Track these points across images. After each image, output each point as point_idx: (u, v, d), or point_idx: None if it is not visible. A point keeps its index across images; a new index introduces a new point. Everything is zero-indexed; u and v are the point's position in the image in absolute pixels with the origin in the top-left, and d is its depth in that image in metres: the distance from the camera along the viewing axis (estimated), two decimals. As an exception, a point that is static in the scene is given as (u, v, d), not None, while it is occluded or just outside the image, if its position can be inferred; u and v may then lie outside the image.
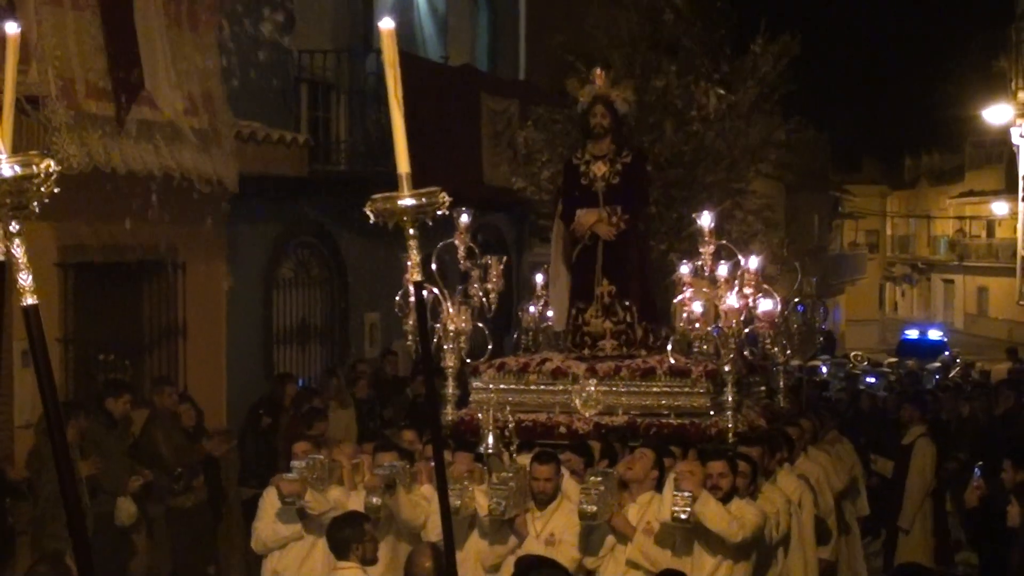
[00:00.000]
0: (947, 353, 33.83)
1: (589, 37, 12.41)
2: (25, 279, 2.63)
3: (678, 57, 12.10)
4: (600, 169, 9.49)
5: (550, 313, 10.19)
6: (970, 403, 15.13)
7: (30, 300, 2.63)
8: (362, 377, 12.66)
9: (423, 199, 3.37)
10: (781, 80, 12.15)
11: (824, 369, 24.81)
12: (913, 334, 39.22)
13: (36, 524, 8.93)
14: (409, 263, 3.49)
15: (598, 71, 9.67)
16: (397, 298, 8.82)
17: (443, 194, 3.42)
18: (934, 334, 39.12)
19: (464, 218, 8.63)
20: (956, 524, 11.90)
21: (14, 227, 2.62)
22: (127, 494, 9.28)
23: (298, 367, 13.73)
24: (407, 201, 3.36)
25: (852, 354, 35.57)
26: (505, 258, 9.42)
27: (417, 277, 3.54)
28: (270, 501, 7.49)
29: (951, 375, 24.41)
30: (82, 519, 2.79)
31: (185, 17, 10.76)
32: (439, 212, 3.45)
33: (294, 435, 10.59)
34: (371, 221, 3.47)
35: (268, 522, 7.48)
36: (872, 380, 24.05)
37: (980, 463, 10.87)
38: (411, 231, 3.42)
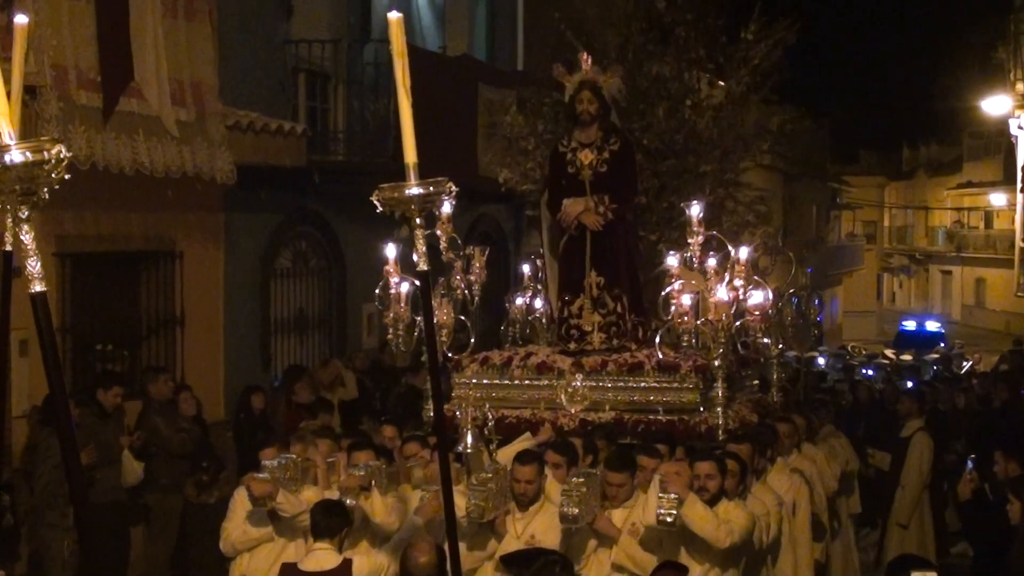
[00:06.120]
0: (942, 344, 33.85)
1: (583, 19, 12.21)
2: (34, 266, 2.60)
3: (672, 43, 11.95)
4: (587, 157, 9.15)
5: (538, 304, 9.91)
6: (965, 394, 15.16)
7: (38, 287, 2.60)
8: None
9: (430, 188, 3.37)
10: (775, 68, 11.98)
11: (821, 361, 24.77)
12: (911, 325, 39.25)
13: (32, 513, 8.95)
14: (415, 253, 3.48)
15: (584, 55, 9.34)
16: (377, 291, 8.46)
17: (450, 184, 3.41)
18: (932, 325, 39.16)
19: (446, 208, 8.00)
20: (954, 516, 11.90)
21: (23, 213, 2.59)
22: (128, 449, 9.32)
23: (296, 357, 13.72)
24: (414, 190, 3.35)
25: (850, 345, 35.59)
26: (488, 248, 9.12)
27: (424, 266, 3.52)
28: (240, 501, 7.07)
29: (960, 370, 24.27)
30: (86, 503, 2.79)
31: (181, 6, 10.74)
32: (446, 201, 3.43)
33: (293, 424, 10.60)
34: (378, 210, 3.45)
35: (238, 523, 7.07)
36: (869, 372, 23.99)
37: (973, 455, 10.89)
38: (417, 220, 3.41)
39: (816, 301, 11.06)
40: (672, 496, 6.43)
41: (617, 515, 6.88)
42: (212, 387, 12.05)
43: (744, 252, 8.30)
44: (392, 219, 3.47)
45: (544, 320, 9.99)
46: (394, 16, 3.26)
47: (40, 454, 8.92)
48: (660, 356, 8.57)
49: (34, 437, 9.23)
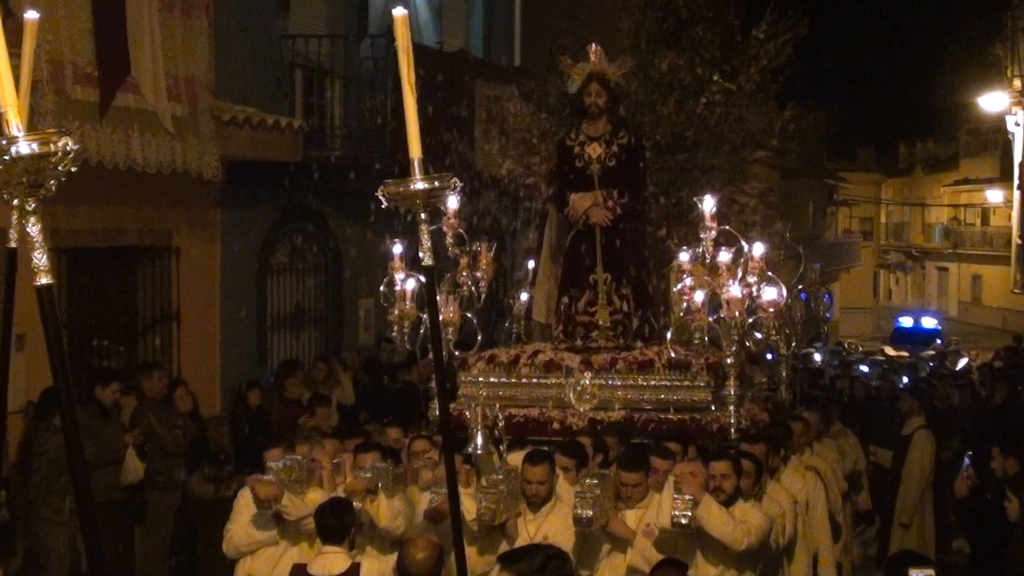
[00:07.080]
0: (939, 341, 33.88)
1: (595, 8, 12.14)
2: (40, 258, 2.59)
3: (687, 40, 11.90)
4: (595, 151, 9.00)
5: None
6: (960, 391, 15.19)
7: (44, 280, 2.59)
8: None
9: (435, 183, 3.38)
10: (786, 64, 11.95)
11: (818, 357, 24.77)
12: (907, 322, 39.29)
13: (28, 508, 8.93)
14: (421, 248, 3.47)
15: (593, 47, 9.16)
16: (382, 288, 8.33)
17: (455, 179, 3.42)
18: (928, 322, 39.19)
19: (452, 203, 8.02)
20: (952, 512, 11.90)
21: (30, 205, 2.58)
22: (130, 447, 9.29)
23: (292, 353, 13.70)
24: (420, 185, 3.36)
25: (847, 342, 35.62)
26: (495, 244, 9.01)
27: (429, 262, 3.51)
28: (244, 503, 6.93)
29: (956, 367, 24.29)
30: (90, 498, 2.76)
31: (178, 1, 10.71)
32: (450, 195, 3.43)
33: (290, 420, 10.59)
34: (383, 205, 3.45)
35: (242, 525, 6.94)
36: (865, 369, 23.99)
37: (970, 452, 10.88)
38: (423, 215, 3.42)
39: (826, 297, 10.95)
40: (687, 497, 6.31)
41: (631, 516, 6.75)
42: (208, 383, 12.02)
43: (758, 248, 8.14)
44: (394, 215, 3.46)
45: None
46: (399, 13, 3.27)
47: (35, 449, 8.90)
48: (671, 354, 8.41)
49: (29, 432, 9.20)
